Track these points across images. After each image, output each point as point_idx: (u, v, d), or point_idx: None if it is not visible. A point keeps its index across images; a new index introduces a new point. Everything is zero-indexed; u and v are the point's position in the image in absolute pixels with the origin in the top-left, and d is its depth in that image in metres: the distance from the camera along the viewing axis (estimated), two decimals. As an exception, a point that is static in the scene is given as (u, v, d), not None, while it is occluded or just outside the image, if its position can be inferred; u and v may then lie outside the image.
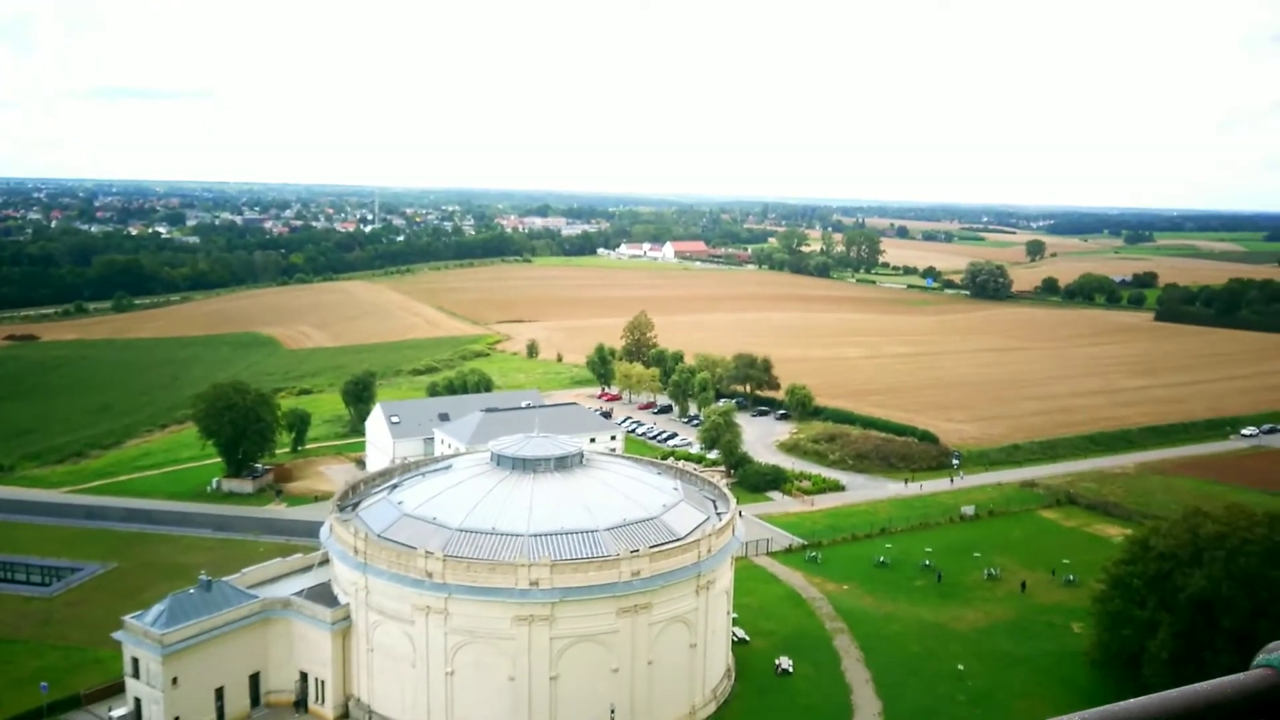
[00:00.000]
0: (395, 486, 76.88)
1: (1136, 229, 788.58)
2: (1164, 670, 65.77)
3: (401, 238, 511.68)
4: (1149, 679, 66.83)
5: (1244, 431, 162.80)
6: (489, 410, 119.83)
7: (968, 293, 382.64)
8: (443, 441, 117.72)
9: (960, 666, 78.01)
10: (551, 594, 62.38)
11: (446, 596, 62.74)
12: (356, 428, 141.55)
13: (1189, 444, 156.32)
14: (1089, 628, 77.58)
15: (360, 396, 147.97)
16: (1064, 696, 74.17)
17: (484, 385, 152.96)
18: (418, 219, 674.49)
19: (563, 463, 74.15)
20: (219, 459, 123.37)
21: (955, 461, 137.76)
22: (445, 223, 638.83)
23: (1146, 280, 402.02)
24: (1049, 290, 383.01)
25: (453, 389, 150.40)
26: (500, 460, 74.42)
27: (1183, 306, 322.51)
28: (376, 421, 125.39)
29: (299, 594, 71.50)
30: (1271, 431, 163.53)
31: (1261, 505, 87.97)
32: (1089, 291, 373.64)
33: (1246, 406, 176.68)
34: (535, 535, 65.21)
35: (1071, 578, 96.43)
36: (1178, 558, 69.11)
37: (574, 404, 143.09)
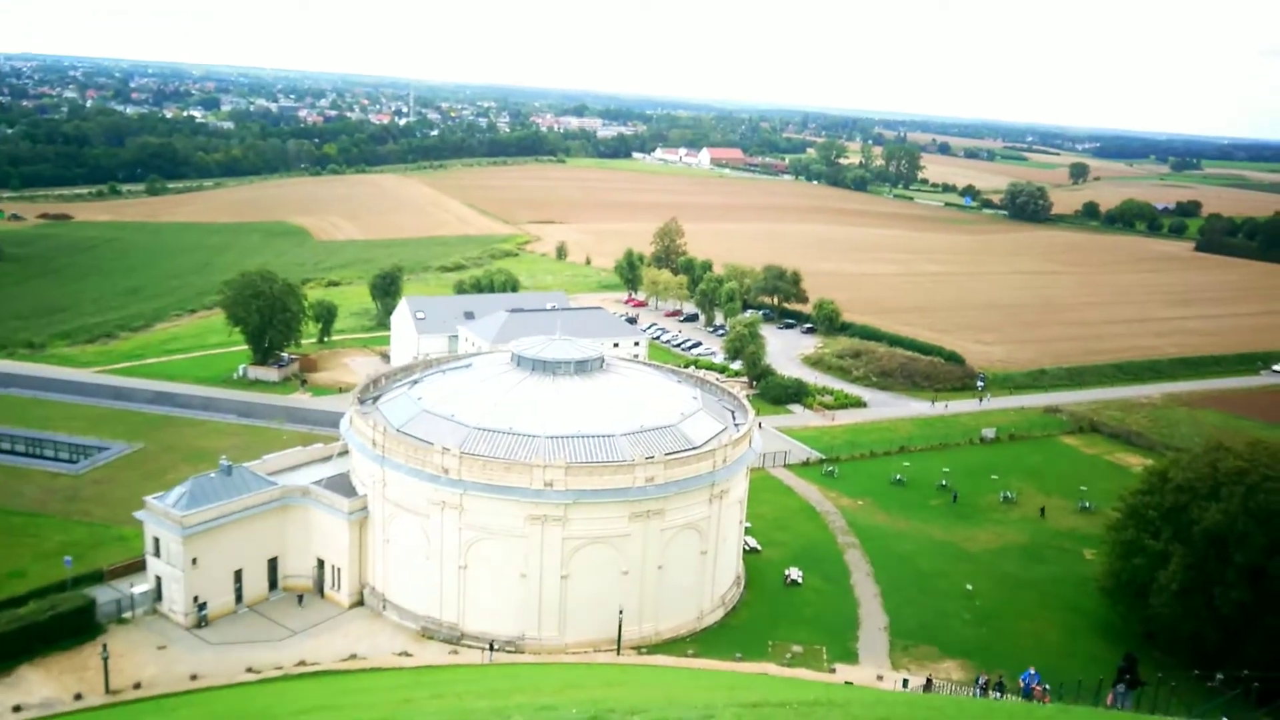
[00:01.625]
0: (416, 382, 77.19)
1: (1184, 156, 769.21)
2: (1172, 601, 65.80)
3: (436, 132, 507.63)
4: (1156, 609, 66.95)
5: (1275, 368, 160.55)
6: (514, 310, 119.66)
7: (1006, 213, 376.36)
8: (467, 339, 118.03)
9: (969, 586, 78.50)
10: (565, 495, 62.87)
11: (462, 493, 63.39)
12: (383, 321, 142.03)
13: (1218, 377, 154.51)
14: (1101, 555, 77.53)
15: (388, 291, 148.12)
16: (1070, 620, 74.67)
17: (511, 285, 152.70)
18: (453, 114, 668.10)
19: (583, 366, 74.06)
20: (246, 346, 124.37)
21: (980, 384, 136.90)
22: (480, 119, 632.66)
23: (1190, 209, 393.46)
24: (1089, 215, 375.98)
25: (479, 287, 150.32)
26: (521, 361, 74.41)
27: (1225, 238, 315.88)
28: (402, 316, 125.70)
29: (318, 483, 72.41)
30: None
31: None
32: (1130, 218, 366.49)
33: (1278, 342, 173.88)
34: (552, 437, 65.45)
35: (1088, 504, 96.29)
36: (1195, 490, 68.49)
37: (599, 308, 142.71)
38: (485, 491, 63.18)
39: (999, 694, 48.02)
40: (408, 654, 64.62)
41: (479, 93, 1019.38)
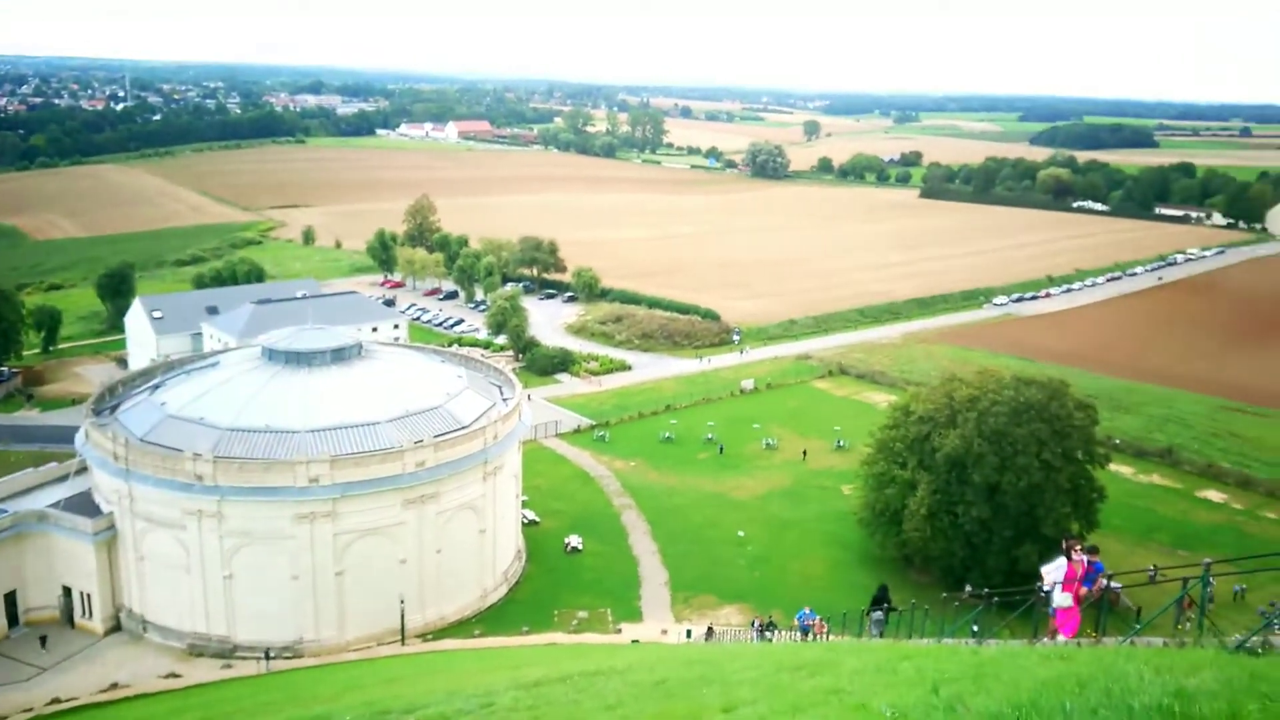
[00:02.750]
0: (158, 386, 72.14)
1: (904, 110, 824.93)
2: (922, 524, 71.05)
3: (158, 117, 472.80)
4: (909, 534, 72.08)
5: (996, 301, 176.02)
6: (261, 302, 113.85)
7: (748, 172, 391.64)
8: (212, 336, 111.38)
9: (741, 533, 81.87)
10: (332, 490, 60.70)
11: (219, 499, 59.97)
12: (116, 324, 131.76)
13: (948, 313, 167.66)
14: (857, 489, 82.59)
15: (118, 290, 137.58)
16: (835, 554, 79.38)
17: (256, 275, 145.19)
18: (176, 96, 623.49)
19: (340, 354, 71.46)
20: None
21: (736, 338, 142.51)
22: (208, 100, 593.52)
23: (912, 159, 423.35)
24: (824, 169, 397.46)
25: (222, 280, 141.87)
26: (272, 355, 70.94)
27: (945, 184, 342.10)
28: (137, 317, 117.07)
29: (56, 505, 66.53)
30: (1019, 300, 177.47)
31: (1009, 368, 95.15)
32: (860, 170, 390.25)
33: (998, 278, 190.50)
34: (313, 431, 62.91)
35: (843, 443, 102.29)
36: (935, 420, 74.10)
37: (354, 293, 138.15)
38: (245, 495, 60.08)
39: (772, 634, 50.41)
40: (176, 675, 60.70)
41: (203, 72, 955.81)
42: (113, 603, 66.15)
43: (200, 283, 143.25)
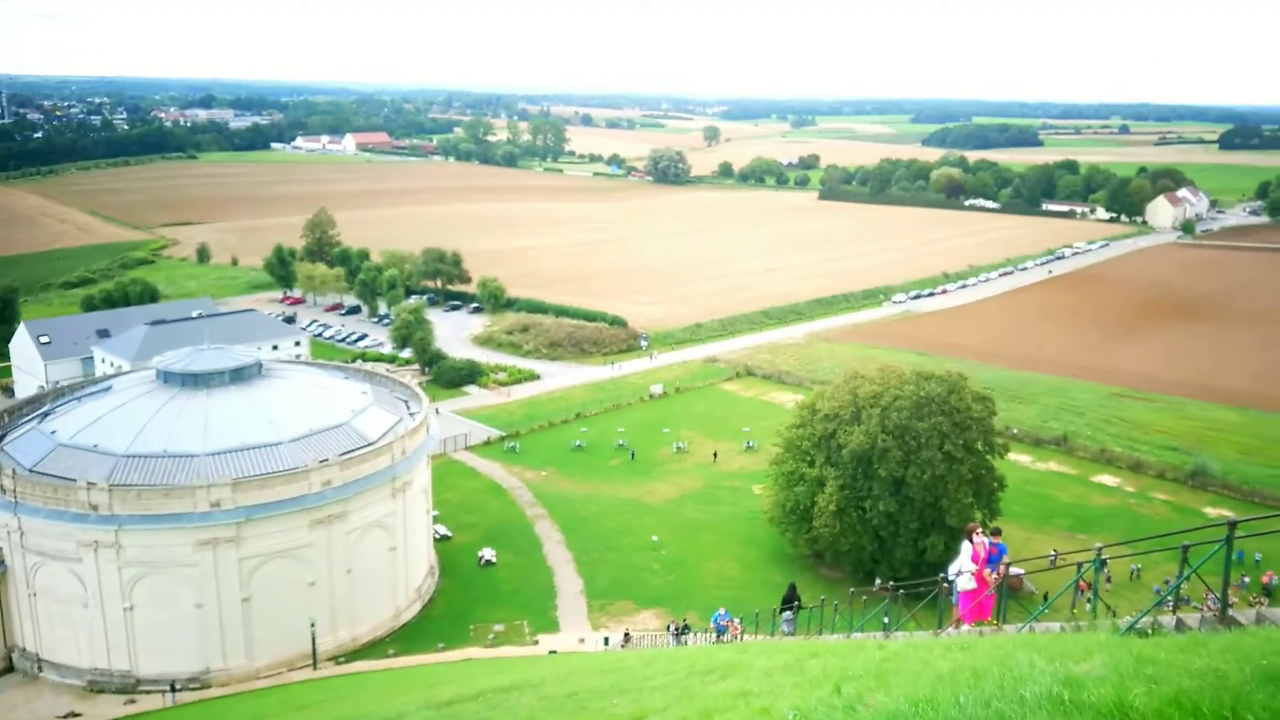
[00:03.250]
0: (47, 415, 69.36)
1: (801, 114, 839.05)
2: (831, 520, 72.29)
3: (39, 134, 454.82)
4: (819, 530, 73.25)
5: (895, 299, 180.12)
6: (155, 323, 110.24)
7: (651, 178, 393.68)
8: (104, 360, 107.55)
9: (655, 537, 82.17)
10: (236, 514, 59.10)
11: (116, 529, 57.89)
12: (0, 351, 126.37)
13: (850, 312, 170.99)
14: (768, 489, 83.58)
15: (1, 316, 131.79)
16: (747, 553, 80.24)
17: (150, 296, 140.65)
18: (58, 112, 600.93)
19: (239, 374, 69.66)
20: None
21: (644, 343, 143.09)
22: (93, 116, 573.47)
23: (810, 162, 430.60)
24: (725, 174, 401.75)
25: (113, 302, 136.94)
26: (168, 377, 68.80)
27: (842, 186, 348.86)
28: (22, 343, 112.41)
29: (-62, 543, 63.50)
30: (917, 297, 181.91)
31: (910, 364, 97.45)
32: (760, 174, 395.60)
33: (896, 276, 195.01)
34: (213, 454, 61.21)
35: (752, 444, 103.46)
36: (840, 417, 75.46)
37: (252, 310, 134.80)
38: (144, 523, 58.13)
39: (687, 637, 50.72)
40: (75, 715, 58.36)
41: (87, 87, 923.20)
42: (4, 643, 63.38)
43: (90, 305, 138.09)
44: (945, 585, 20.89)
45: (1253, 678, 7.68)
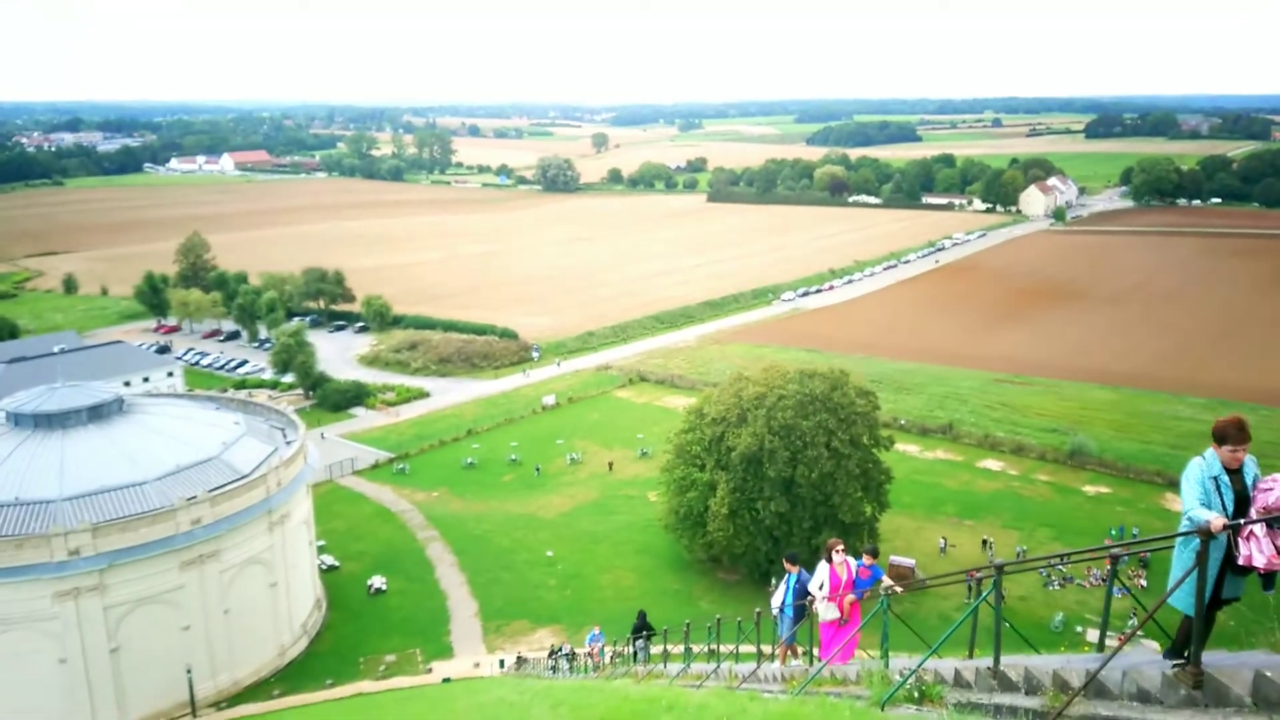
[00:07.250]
0: (-112, 466, 64.67)
1: (688, 118, 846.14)
2: (725, 524, 71.88)
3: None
4: (714, 534, 72.78)
5: (783, 297, 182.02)
6: (13, 361, 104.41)
7: (540, 187, 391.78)
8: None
9: (549, 552, 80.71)
10: (97, 560, 55.74)
11: (-35, 585, 54.12)
12: None
13: (739, 312, 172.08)
14: (661, 496, 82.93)
15: None
16: (644, 562, 79.37)
17: (9, 332, 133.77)
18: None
19: (97, 412, 65.97)
20: None
21: (535, 354, 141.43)
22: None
23: (698, 165, 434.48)
24: (614, 180, 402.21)
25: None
26: (19, 419, 64.75)
27: (730, 187, 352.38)
28: None
29: None
30: (805, 294, 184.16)
31: (799, 361, 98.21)
32: (650, 179, 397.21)
33: (784, 274, 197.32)
34: (71, 499, 57.69)
35: (646, 451, 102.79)
36: (728, 420, 75.21)
37: (120, 342, 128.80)
38: (-5, 577, 54.41)
39: (567, 660, 49.37)
40: (-71, 788, 54.48)
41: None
42: None
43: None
44: (774, 615, 18.23)
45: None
